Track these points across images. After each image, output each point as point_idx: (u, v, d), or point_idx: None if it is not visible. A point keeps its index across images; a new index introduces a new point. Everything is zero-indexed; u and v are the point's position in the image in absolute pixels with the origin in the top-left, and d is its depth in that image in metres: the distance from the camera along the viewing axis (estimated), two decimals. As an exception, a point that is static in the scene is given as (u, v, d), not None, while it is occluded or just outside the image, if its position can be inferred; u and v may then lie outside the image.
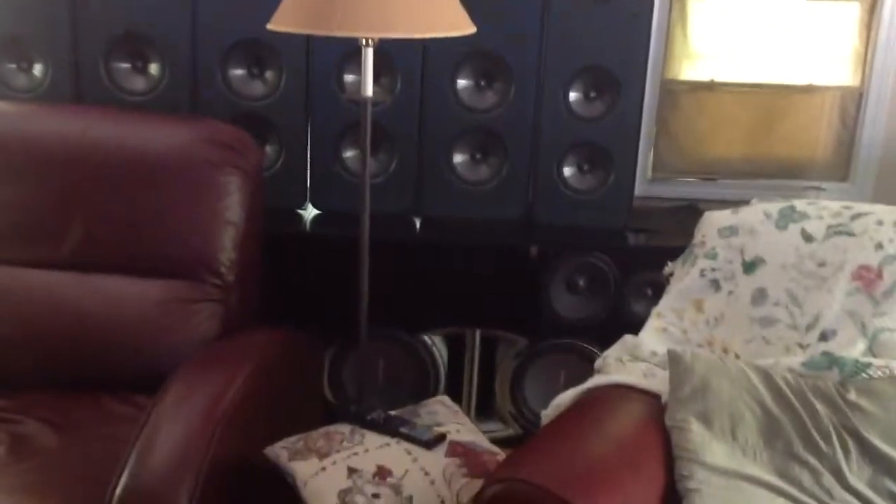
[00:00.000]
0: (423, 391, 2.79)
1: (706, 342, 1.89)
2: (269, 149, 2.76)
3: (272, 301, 2.64)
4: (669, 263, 2.10)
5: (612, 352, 1.99)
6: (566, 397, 1.88)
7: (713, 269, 1.93)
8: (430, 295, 2.73)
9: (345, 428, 2.01)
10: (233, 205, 2.26)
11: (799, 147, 3.03)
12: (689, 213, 2.97)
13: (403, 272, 2.71)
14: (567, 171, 2.76)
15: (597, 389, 1.85)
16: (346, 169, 2.75)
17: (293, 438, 2.00)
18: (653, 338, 1.93)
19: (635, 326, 2.75)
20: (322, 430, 2.01)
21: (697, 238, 2.02)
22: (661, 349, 1.89)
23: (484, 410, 2.86)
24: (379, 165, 2.76)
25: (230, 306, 2.27)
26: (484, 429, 2.83)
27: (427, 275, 2.71)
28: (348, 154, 2.75)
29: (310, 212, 2.82)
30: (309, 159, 2.76)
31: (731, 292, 1.91)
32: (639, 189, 2.93)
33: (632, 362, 1.90)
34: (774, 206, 1.95)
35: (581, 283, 2.71)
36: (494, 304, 2.73)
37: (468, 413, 2.83)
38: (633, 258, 2.71)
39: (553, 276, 2.68)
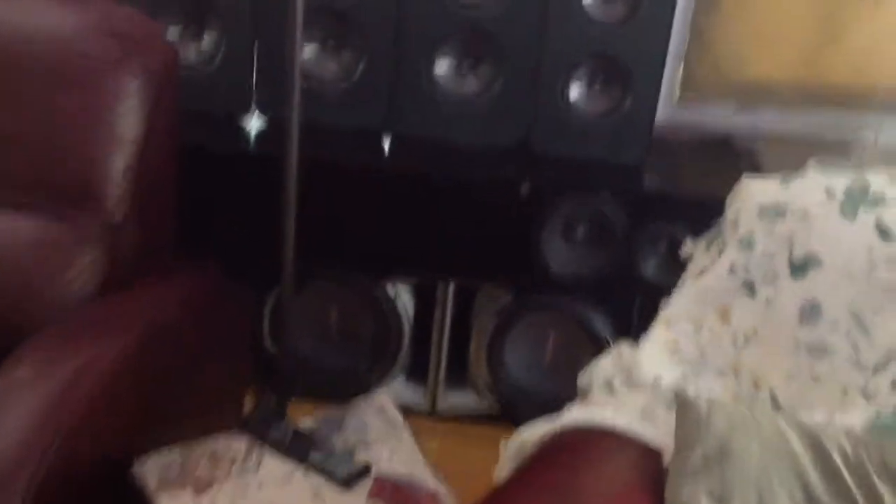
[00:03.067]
0: (382, 349, 2.25)
1: (731, 368, 1.33)
2: (206, 38, 2.17)
3: (198, 237, 2.10)
4: (688, 241, 1.53)
5: (601, 368, 1.42)
6: (531, 435, 1.33)
7: (748, 266, 1.35)
8: (396, 234, 2.16)
9: (240, 444, 1.48)
10: (127, 116, 1.67)
11: (865, 71, 2.39)
12: (723, 150, 2.37)
13: (365, 204, 2.14)
14: (575, 89, 2.14)
15: (574, 431, 1.29)
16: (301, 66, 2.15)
17: (173, 452, 1.48)
18: (657, 356, 1.36)
19: (644, 289, 2.22)
20: (213, 442, 1.49)
21: (730, 214, 1.43)
22: (668, 375, 1.33)
23: (455, 378, 2.31)
24: (342, 67, 2.16)
25: (120, 251, 1.70)
26: (455, 401, 2.33)
27: (394, 209, 2.14)
28: (306, 50, 2.16)
29: (255, 121, 2.24)
30: (255, 53, 2.17)
31: (770, 301, 1.33)
32: (662, 114, 2.31)
33: (626, 391, 1.35)
34: (840, 181, 1.35)
35: (581, 231, 2.13)
36: (474, 250, 2.16)
37: (436, 380, 2.30)
38: (647, 204, 2.12)
39: (547, 221, 2.10)
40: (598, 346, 2.21)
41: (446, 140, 2.18)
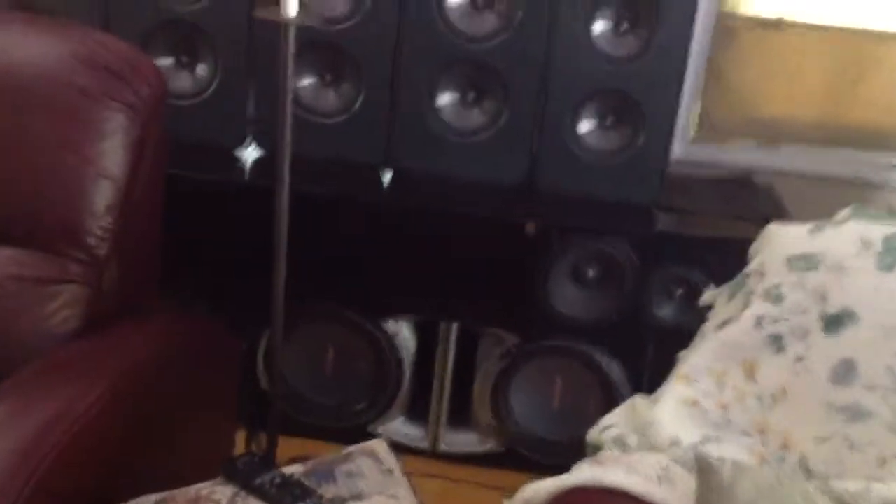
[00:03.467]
0: (381, 387, 2.14)
1: (757, 429, 1.22)
2: (200, 67, 2.07)
3: (188, 272, 2.00)
4: (709, 290, 1.42)
5: (614, 423, 1.31)
6: (536, 494, 1.22)
7: (776, 319, 1.24)
8: (395, 271, 2.05)
9: (223, 492, 1.37)
10: (111, 152, 1.57)
11: (888, 110, 2.29)
12: (742, 188, 2.27)
13: (364, 240, 2.04)
14: (584, 124, 2.04)
15: (582, 491, 1.18)
16: (297, 99, 2.05)
17: (150, 501, 1.36)
18: (676, 415, 1.25)
19: (655, 334, 2.11)
20: (195, 490, 1.38)
21: (755, 263, 1.32)
22: (687, 436, 1.22)
23: (458, 418, 2.20)
24: (341, 100, 2.06)
25: (102, 289, 1.60)
26: (457, 441, 2.21)
27: (394, 246, 2.04)
28: (304, 82, 2.06)
29: (251, 152, 2.14)
30: (252, 85, 2.07)
31: (800, 358, 1.22)
32: (678, 151, 2.21)
33: (640, 450, 1.23)
34: (877, 230, 1.24)
35: (590, 273, 2.02)
36: (478, 291, 2.05)
37: (437, 420, 2.19)
38: (660, 246, 2.01)
39: (554, 263, 2.00)
40: (608, 393, 2.10)
41: (448, 175, 2.07)
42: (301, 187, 2.00)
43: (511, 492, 2.12)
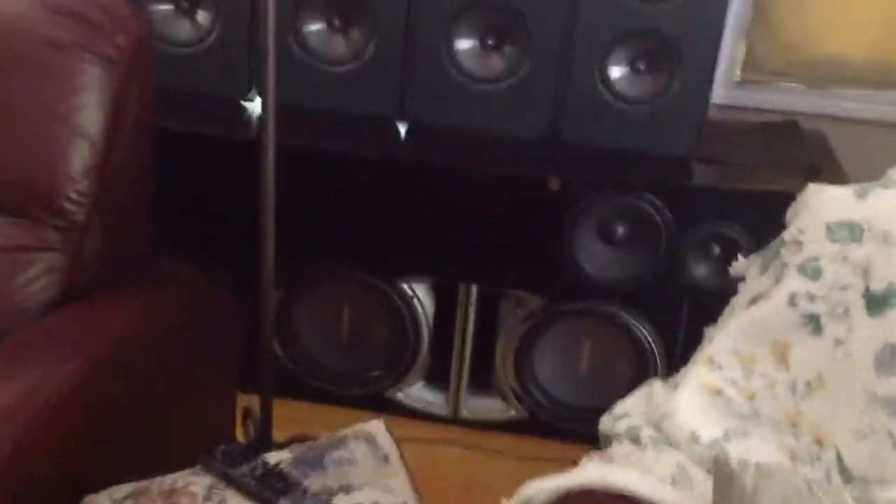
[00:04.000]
0: (399, 354, 2.01)
1: (788, 421, 1.06)
2: (201, 16, 1.93)
3: (192, 231, 1.89)
4: (739, 258, 1.25)
5: (628, 411, 1.16)
6: (537, 495, 1.08)
7: (813, 297, 1.08)
8: (411, 231, 1.91)
9: (202, 483, 1.25)
10: (86, 109, 1.43)
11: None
12: (787, 136, 2.07)
13: (378, 197, 1.90)
14: (615, 69, 1.86)
15: (588, 493, 1.04)
16: (304, 46, 1.90)
17: (125, 489, 1.25)
18: (696, 405, 1.09)
19: (691, 295, 1.95)
20: (171, 480, 1.26)
21: (791, 232, 1.15)
22: (708, 431, 1.07)
23: (480, 384, 2.07)
24: (350, 47, 1.90)
25: (83, 257, 1.48)
26: (479, 407, 2.08)
27: (410, 204, 1.89)
28: (311, 27, 1.91)
29: (257, 104, 2.00)
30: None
31: (839, 342, 1.06)
32: (718, 95, 2.03)
33: (655, 446, 1.09)
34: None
35: (620, 231, 1.86)
36: (498, 251, 1.90)
37: (458, 386, 2.06)
38: (697, 201, 1.84)
39: (581, 220, 1.84)
40: (641, 357, 1.96)
41: (468, 128, 1.92)
42: (309, 141, 1.88)
43: (534, 461, 2.01)
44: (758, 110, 2.09)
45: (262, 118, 1.52)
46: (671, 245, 1.84)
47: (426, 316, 1.99)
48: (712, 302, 1.88)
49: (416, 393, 2.08)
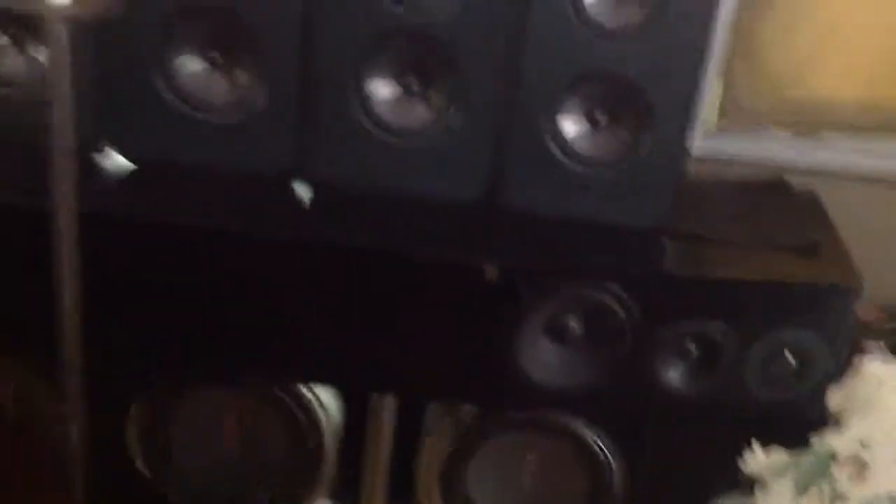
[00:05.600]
0: (298, 469, 1.59)
1: None
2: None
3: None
4: (756, 451, 0.88)
5: None
6: None
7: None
8: (310, 327, 1.48)
9: None
10: None
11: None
12: (774, 194, 1.70)
13: (268, 283, 1.47)
14: (568, 122, 1.46)
15: None
16: (172, 85, 1.46)
17: None
18: None
19: (661, 403, 1.57)
20: None
21: (848, 440, 0.77)
22: None
23: (403, 499, 1.67)
24: (234, 90, 1.47)
25: None
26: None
27: (307, 291, 1.47)
28: (185, 64, 1.47)
29: (112, 161, 1.55)
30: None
31: None
32: (692, 145, 1.64)
33: None
34: None
35: (574, 328, 1.47)
36: (422, 354, 1.48)
37: (372, 498, 1.65)
38: (670, 293, 1.45)
39: (525, 315, 1.45)
40: (597, 474, 1.57)
41: (382, 192, 1.50)
42: (182, 216, 1.45)
43: None
44: (736, 163, 1.71)
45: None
46: (637, 344, 1.45)
47: (331, 424, 1.58)
48: (686, 411, 1.53)
49: (321, 514, 1.67)
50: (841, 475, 0.73)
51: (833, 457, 0.74)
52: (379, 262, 1.43)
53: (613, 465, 1.56)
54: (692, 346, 1.47)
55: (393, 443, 1.59)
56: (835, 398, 0.80)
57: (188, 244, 1.42)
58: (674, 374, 1.48)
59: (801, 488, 0.76)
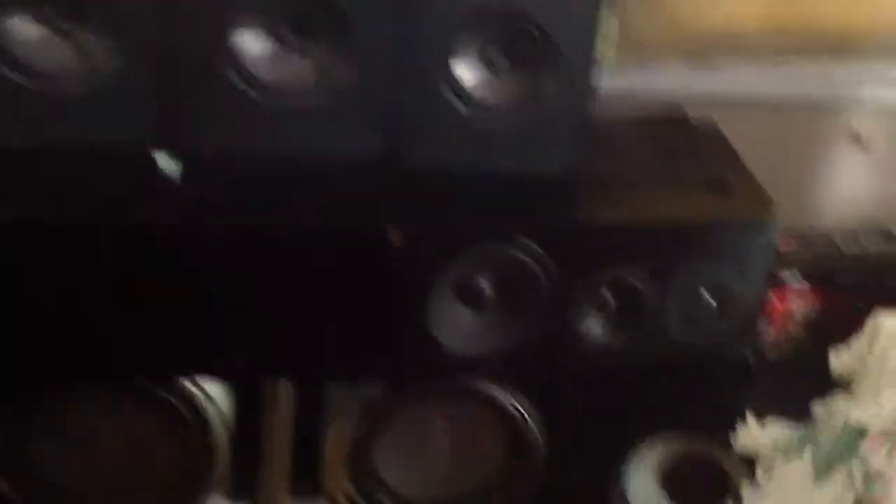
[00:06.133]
0: (187, 470, 1.44)
1: None
2: None
3: None
4: (749, 422, 0.78)
5: None
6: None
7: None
8: (187, 314, 1.31)
9: None
10: None
11: (863, 9, 1.66)
12: (676, 128, 1.61)
13: (138, 266, 1.29)
14: (465, 68, 1.31)
15: None
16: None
17: None
18: None
19: (581, 358, 1.48)
20: None
21: (876, 413, 0.67)
22: None
23: (304, 491, 1.53)
24: (81, 52, 1.26)
25: None
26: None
27: (182, 277, 1.29)
28: (21, 27, 1.25)
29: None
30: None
31: None
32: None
33: None
34: None
35: (487, 290, 1.35)
36: (319, 332, 1.34)
37: (274, 492, 1.51)
38: (587, 243, 1.34)
39: (432, 281, 1.31)
40: (515, 436, 1.48)
41: (265, 155, 1.33)
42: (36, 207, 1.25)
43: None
44: (633, 99, 1.61)
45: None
46: (554, 300, 1.35)
47: (222, 418, 1.42)
48: (608, 364, 1.45)
49: (217, 513, 1.51)
50: (875, 453, 0.64)
51: (861, 432, 0.65)
52: (264, 234, 1.27)
53: (532, 426, 1.46)
54: (610, 296, 1.37)
55: (293, 431, 1.44)
56: (841, 360, 0.71)
57: (47, 237, 1.23)
58: (594, 327, 1.39)
59: (824, 470, 0.66)
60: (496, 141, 1.34)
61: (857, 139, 1.75)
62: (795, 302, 1.51)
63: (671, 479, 1.55)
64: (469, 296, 1.33)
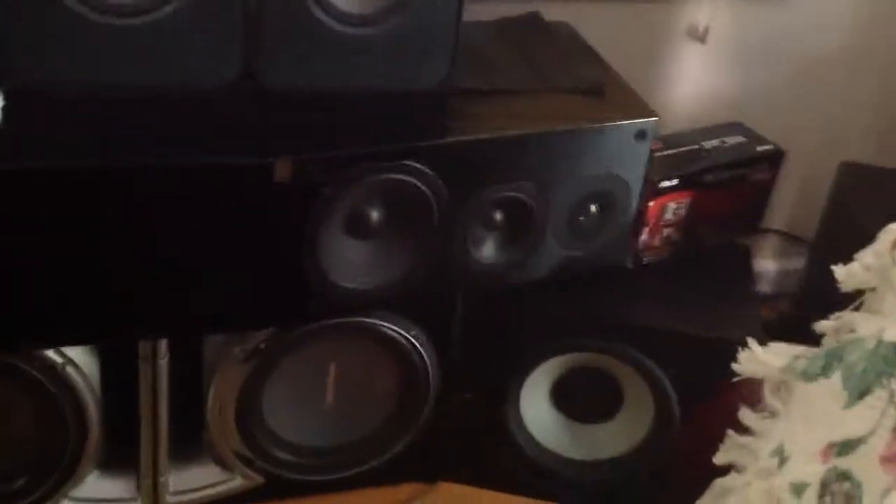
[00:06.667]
0: (54, 446, 1.29)
1: None
2: None
3: None
4: (752, 348, 0.72)
5: None
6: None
7: None
8: (36, 276, 1.16)
9: None
10: None
11: None
12: (537, 34, 1.54)
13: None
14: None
15: None
16: None
17: None
18: None
19: (474, 281, 1.41)
20: None
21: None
22: None
23: (186, 454, 1.40)
24: None
25: None
26: (190, 485, 1.42)
27: (22, 230, 1.14)
28: None
29: None
30: None
31: None
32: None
33: None
34: None
35: (374, 218, 1.25)
36: (195, 283, 1.20)
37: (153, 469, 1.37)
38: (475, 160, 1.26)
39: (317, 215, 1.20)
40: (408, 369, 1.41)
41: (110, 85, 1.16)
42: None
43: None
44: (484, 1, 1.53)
45: None
46: (445, 222, 1.27)
47: (90, 386, 1.27)
48: (497, 283, 1.40)
49: (92, 490, 1.37)
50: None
51: (882, 342, 0.61)
52: (119, 177, 1.12)
53: (427, 358, 1.40)
54: (497, 214, 1.31)
55: (171, 391, 1.31)
56: (853, 275, 0.66)
57: None
58: (484, 248, 1.33)
59: (858, 392, 0.62)
60: (367, 56, 1.23)
61: (696, 32, 1.74)
62: (668, 203, 1.50)
63: (564, 394, 1.53)
64: (357, 226, 1.23)
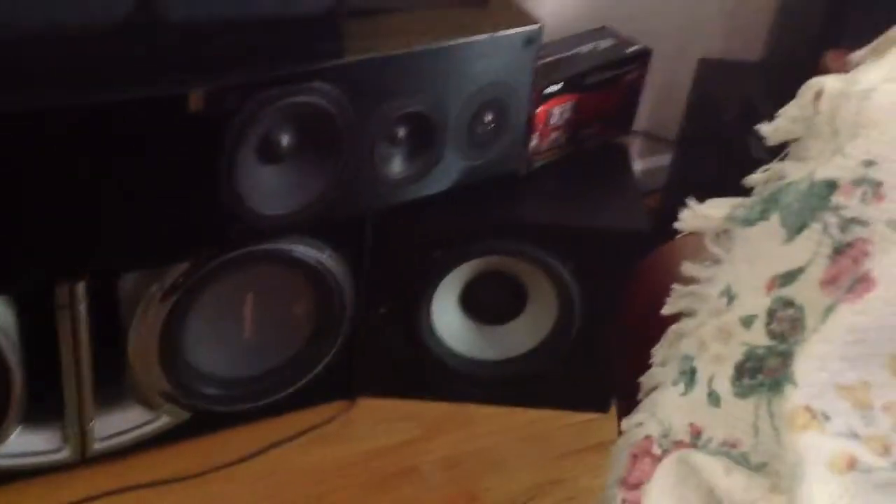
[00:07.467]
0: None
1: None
2: None
3: None
4: (691, 207, 0.78)
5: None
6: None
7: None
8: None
9: None
10: None
11: None
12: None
13: None
14: None
15: None
16: None
17: None
18: (831, 492, 0.65)
19: (383, 199, 1.43)
20: None
21: (847, 165, 0.70)
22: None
23: (109, 399, 1.39)
24: None
25: None
26: (116, 429, 1.41)
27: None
28: None
29: None
30: None
31: None
32: None
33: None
34: None
35: (284, 142, 1.25)
36: (111, 221, 1.19)
37: (79, 417, 1.35)
38: (375, 77, 1.28)
39: (228, 142, 1.20)
40: (323, 292, 1.43)
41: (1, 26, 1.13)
42: None
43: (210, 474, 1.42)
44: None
45: None
46: (352, 141, 1.29)
47: (9, 341, 1.24)
48: (402, 197, 1.42)
49: (16, 445, 1.34)
50: (849, 201, 0.67)
51: (832, 186, 0.68)
52: (25, 119, 1.09)
53: (339, 276, 1.42)
54: (401, 130, 1.34)
55: (91, 335, 1.29)
56: (777, 128, 0.72)
57: None
58: (392, 165, 1.35)
59: (795, 228, 0.68)
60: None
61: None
62: (554, 108, 1.55)
63: (473, 300, 1.58)
64: (269, 151, 1.23)
